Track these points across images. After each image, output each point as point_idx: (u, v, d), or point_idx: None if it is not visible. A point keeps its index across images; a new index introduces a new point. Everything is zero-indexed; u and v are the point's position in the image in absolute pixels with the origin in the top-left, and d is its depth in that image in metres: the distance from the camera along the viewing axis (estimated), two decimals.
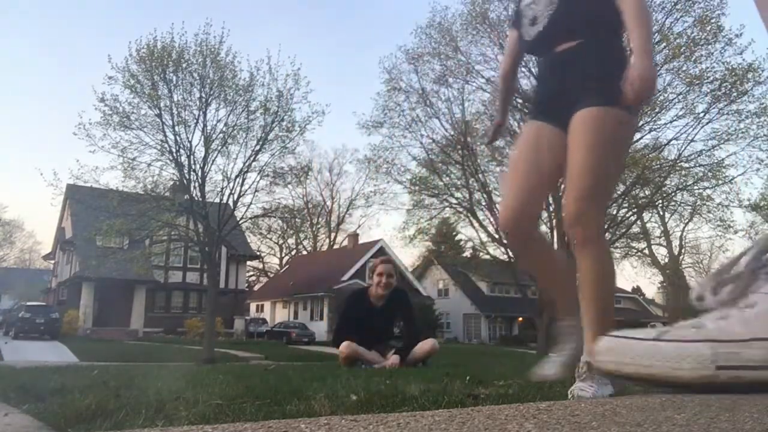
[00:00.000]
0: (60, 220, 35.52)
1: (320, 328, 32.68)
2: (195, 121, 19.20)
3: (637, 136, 20.49)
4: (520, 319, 40.97)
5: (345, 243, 44.83)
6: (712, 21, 18.10)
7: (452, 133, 23.58)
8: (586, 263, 1.77)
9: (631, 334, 1.40)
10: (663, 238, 33.45)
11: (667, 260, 35.11)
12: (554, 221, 21.99)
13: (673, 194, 21.29)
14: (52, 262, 40.17)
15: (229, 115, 19.58)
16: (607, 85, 1.76)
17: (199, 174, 19.40)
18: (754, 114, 18.57)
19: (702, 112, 19.06)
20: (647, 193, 20.34)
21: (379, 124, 23.64)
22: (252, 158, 19.88)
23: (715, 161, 19.57)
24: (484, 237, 24.00)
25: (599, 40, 1.86)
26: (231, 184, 19.90)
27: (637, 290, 51.56)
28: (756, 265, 1.36)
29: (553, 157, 1.87)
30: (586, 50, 1.85)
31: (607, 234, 22.28)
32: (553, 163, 1.88)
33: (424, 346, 4.35)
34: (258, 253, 45.30)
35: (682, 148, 19.61)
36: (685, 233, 34.39)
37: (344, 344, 4.19)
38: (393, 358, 4.16)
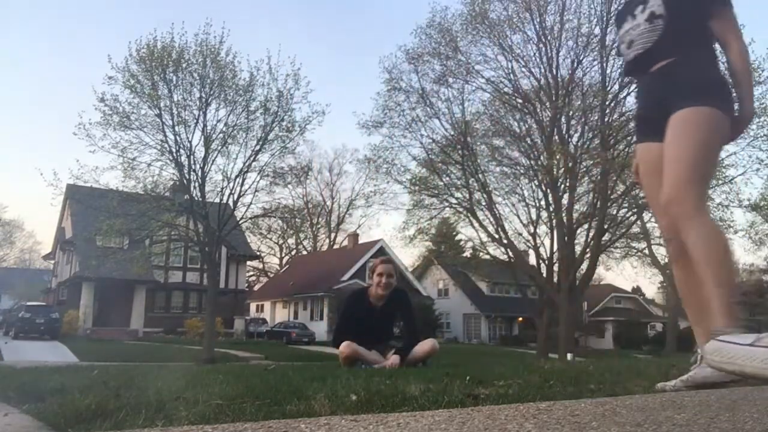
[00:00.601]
0: (60, 220, 35.51)
1: (320, 328, 32.67)
2: (195, 121, 19.23)
3: None
4: (520, 319, 40.97)
5: (345, 243, 44.83)
6: None
7: (452, 133, 23.57)
8: (690, 238, 1.89)
9: (733, 339, 1.72)
10: (663, 238, 33.41)
11: (667, 260, 35.10)
12: (554, 221, 21.98)
13: None
14: (52, 262, 40.16)
15: (229, 115, 19.61)
16: (696, 88, 1.99)
17: (199, 174, 19.41)
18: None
19: None
20: None
21: (379, 124, 23.66)
22: (252, 158, 19.92)
23: None
24: (484, 237, 24.01)
25: (691, 55, 2.07)
26: (231, 184, 19.94)
27: (637, 290, 51.59)
28: None
29: None
30: (679, 64, 2.06)
31: (606, 234, 22.31)
32: None
33: (424, 346, 4.34)
34: (258, 253, 45.31)
35: None
36: None
37: (344, 344, 4.18)
38: (393, 358, 4.15)
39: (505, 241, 23.01)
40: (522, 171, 23.29)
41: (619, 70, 21.25)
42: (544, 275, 22.92)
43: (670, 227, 2.07)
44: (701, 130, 1.94)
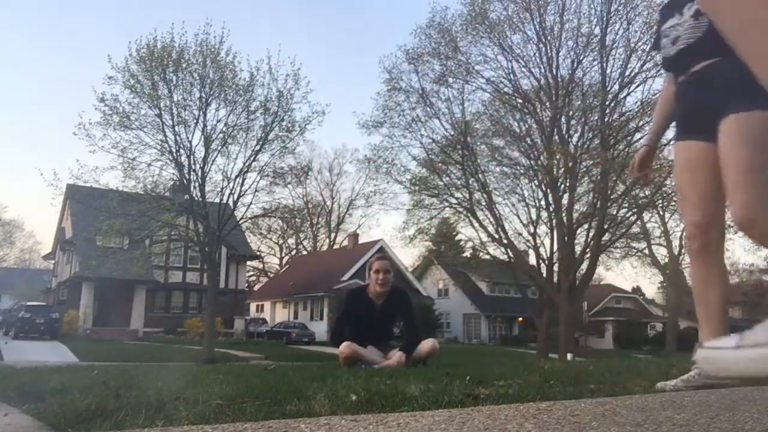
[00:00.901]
0: (60, 220, 35.50)
1: (320, 328, 32.67)
2: (195, 121, 19.23)
3: (637, 135, 20.48)
4: (520, 319, 40.97)
5: (345, 243, 44.82)
6: None
7: (452, 133, 23.57)
8: None
9: (718, 344, 1.68)
10: (663, 238, 33.46)
11: (667, 260, 35.12)
12: (554, 221, 21.98)
13: (673, 194, 21.30)
14: (52, 262, 40.16)
15: (229, 115, 19.62)
16: (747, 91, 1.90)
17: (199, 174, 19.41)
18: None
19: None
20: (647, 193, 20.33)
21: (379, 124, 23.68)
22: (252, 158, 19.93)
23: None
24: (484, 237, 24.01)
25: (736, 55, 2.02)
26: (231, 184, 19.95)
27: (637, 290, 51.58)
28: None
29: (709, 171, 2.02)
30: (723, 65, 2.00)
31: (606, 234, 22.30)
32: (710, 177, 2.03)
33: (425, 346, 4.33)
34: (258, 253, 45.30)
35: None
36: None
37: (344, 344, 4.16)
38: (398, 356, 4.15)
39: (505, 241, 23.00)
40: (522, 171, 23.31)
41: (619, 70, 21.30)
42: (544, 275, 22.92)
43: (699, 226, 2.07)
44: (761, 136, 1.90)
